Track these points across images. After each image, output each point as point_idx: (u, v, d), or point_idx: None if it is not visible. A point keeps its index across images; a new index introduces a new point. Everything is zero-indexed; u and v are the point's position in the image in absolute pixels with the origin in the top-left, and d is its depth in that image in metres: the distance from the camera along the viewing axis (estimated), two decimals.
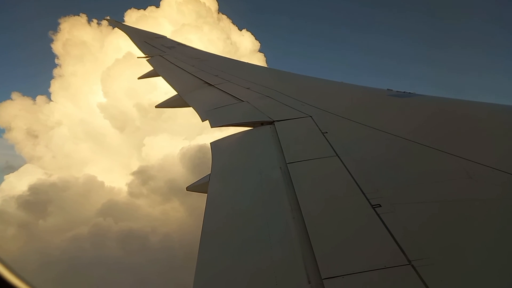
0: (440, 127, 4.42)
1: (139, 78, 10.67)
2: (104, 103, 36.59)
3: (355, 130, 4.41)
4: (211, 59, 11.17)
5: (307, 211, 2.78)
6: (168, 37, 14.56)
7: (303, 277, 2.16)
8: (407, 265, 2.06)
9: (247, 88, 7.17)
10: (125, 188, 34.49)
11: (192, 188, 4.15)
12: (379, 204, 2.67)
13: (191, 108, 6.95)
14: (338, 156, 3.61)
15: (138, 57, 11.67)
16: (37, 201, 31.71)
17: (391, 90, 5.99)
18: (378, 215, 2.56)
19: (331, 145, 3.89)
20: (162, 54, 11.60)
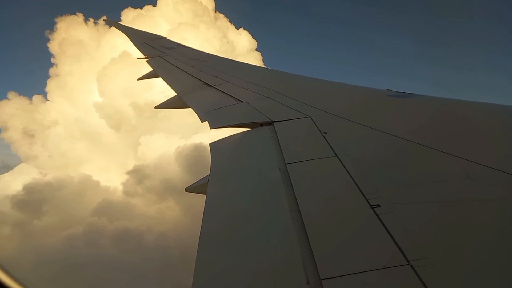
0: (439, 127, 4.42)
1: (139, 79, 10.67)
2: (100, 102, 36.61)
3: (354, 130, 4.41)
4: (211, 60, 11.17)
5: (306, 211, 2.78)
6: (166, 37, 14.57)
7: (302, 278, 2.16)
8: (406, 265, 2.06)
9: (247, 89, 7.17)
10: (120, 187, 34.51)
11: (191, 189, 4.15)
12: (378, 204, 2.66)
13: (189, 108, 6.96)
14: (338, 157, 3.60)
15: (137, 58, 11.68)
16: (32, 200, 31.76)
17: (390, 90, 5.99)
18: (377, 215, 2.55)
19: (330, 146, 3.89)
20: (162, 55, 11.61)
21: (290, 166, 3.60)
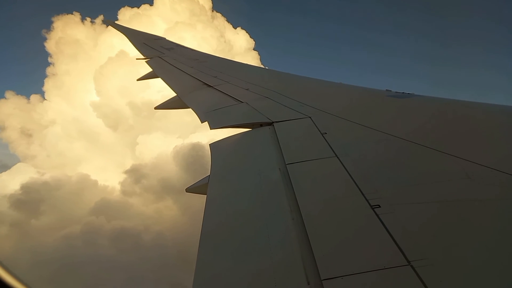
0: (438, 127, 4.43)
1: (138, 79, 10.68)
2: (97, 102, 36.57)
3: (354, 130, 4.42)
4: (210, 60, 11.18)
5: (306, 212, 2.78)
6: (165, 37, 14.58)
7: (302, 278, 2.16)
8: (407, 265, 2.06)
9: (246, 89, 7.17)
10: (118, 187, 34.47)
11: (191, 189, 4.15)
12: (378, 205, 2.67)
13: (188, 108, 6.97)
14: (337, 157, 3.61)
15: (137, 59, 11.68)
16: (30, 200, 31.72)
17: (390, 90, 6.00)
18: (377, 215, 2.56)
19: (330, 146, 3.90)
20: (161, 55, 11.61)
21: (290, 167, 3.60)
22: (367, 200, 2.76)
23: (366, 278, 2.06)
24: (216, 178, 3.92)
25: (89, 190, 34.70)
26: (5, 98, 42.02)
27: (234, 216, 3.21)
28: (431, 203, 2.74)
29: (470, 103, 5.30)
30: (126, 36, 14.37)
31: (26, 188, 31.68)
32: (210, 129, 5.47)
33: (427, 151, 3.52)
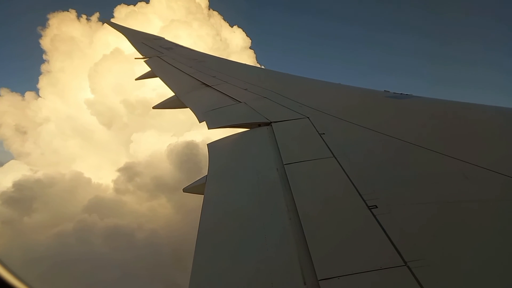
0: (436, 128, 4.43)
1: (137, 79, 10.66)
2: (91, 99, 36.51)
3: (352, 131, 4.42)
4: (209, 60, 11.17)
5: (303, 212, 2.78)
6: (163, 37, 14.57)
7: (299, 278, 2.16)
8: (403, 266, 2.06)
9: (245, 89, 7.17)
10: (112, 185, 34.42)
11: (188, 189, 4.15)
12: (375, 205, 2.67)
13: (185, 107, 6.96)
14: (335, 157, 3.61)
15: (135, 58, 11.67)
16: (22, 197, 31.65)
17: (388, 91, 6.00)
18: (374, 216, 2.56)
19: (328, 146, 3.90)
20: (160, 55, 11.60)
21: (287, 167, 3.60)
22: (364, 201, 2.76)
23: (363, 279, 2.06)
24: (214, 178, 3.91)
25: (83, 188, 34.70)
26: (0, 95, 41.89)
27: (231, 216, 3.20)
28: (428, 204, 2.74)
29: (468, 104, 5.31)
30: (124, 35, 14.35)
31: (19, 186, 31.66)
32: (208, 128, 5.46)
33: (424, 152, 3.53)
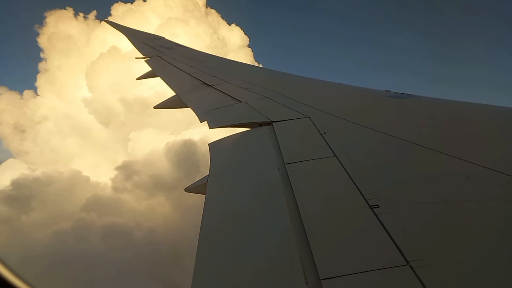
0: (438, 128, 4.43)
1: (138, 79, 10.67)
2: (88, 98, 36.51)
3: (353, 131, 4.42)
4: (210, 59, 11.18)
5: (305, 211, 2.78)
6: (164, 36, 14.57)
7: (300, 278, 2.16)
8: (405, 265, 2.06)
9: (246, 89, 7.17)
10: (110, 183, 34.43)
11: (190, 189, 4.15)
12: (377, 205, 2.67)
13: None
14: (336, 157, 3.61)
15: (136, 58, 11.68)
16: (20, 196, 31.71)
17: (389, 91, 6.00)
18: (376, 215, 2.56)
19: (329, 146, 3.90)
20: (161, 54, 11.60)
21: (289, 166, 3.60)
22: (366, 200, 2.76)
23: (365, 278, 2.06)
24: (215, 178, 3.92)
25: (81, 186, 34.76)
26: None
27: (233, 216, 3.21)
28: (430, 203, 2.74)
29: (469, 104, 5.31)
30: (125, 35, 14.35)
31: (17, 184, 31.74)
32: (209, 128, 5.46)
33: (426, 152, 3.52)
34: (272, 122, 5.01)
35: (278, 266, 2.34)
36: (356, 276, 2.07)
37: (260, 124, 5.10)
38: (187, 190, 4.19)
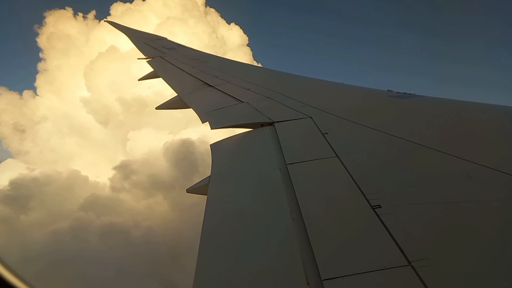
0: (440, 128, 4.42)
1: (140, 79, 10.68)
2: (87, 97, 36.57)
3: (355, 131, 4.41)
4: (212, 60, 11.18)
5: (307, 212, 2.78)
6: (166, 37, 14.59)
7: (302, 278, 2.16)
8: (407, 266, 2.06)
9: (247, 89, 7.17)
10: (108, 183, 34.47)
11: (192, 190, 4.15)
12: (379, 205, 2.66)
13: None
14: (338, 157, 3.60)
15: (138, 58, 11.69)
16: (19, 196, 31.79)
17: (391, 91, 5.98)
18: (378, 216, 2.55)
19: (331, 146, 3.89)
20: (162, 55, 11.61)
21: (290, 167, 3.60)
22: (367, 201, 2.76)
23: (367, 279, 2.05)
24: (217, 179, 3.92)
25: (80, 186, 34.83)
26: None
27: (234, 217, 3.21)
28: (432, 203, 2.73)
29: (471, 103, 5.29)
30: (127, 35, 14.37)
31: (15, 184, 31.81)
32: (211, 129, 5.46)
33: (428, 152, 3.51)
34: (274, 122, 5.00)
35: (279, 267, 2.34)
36: (357, 276, 2.07)
37: (262, 125, 5.10)
38: (189, 191, 4.19)
